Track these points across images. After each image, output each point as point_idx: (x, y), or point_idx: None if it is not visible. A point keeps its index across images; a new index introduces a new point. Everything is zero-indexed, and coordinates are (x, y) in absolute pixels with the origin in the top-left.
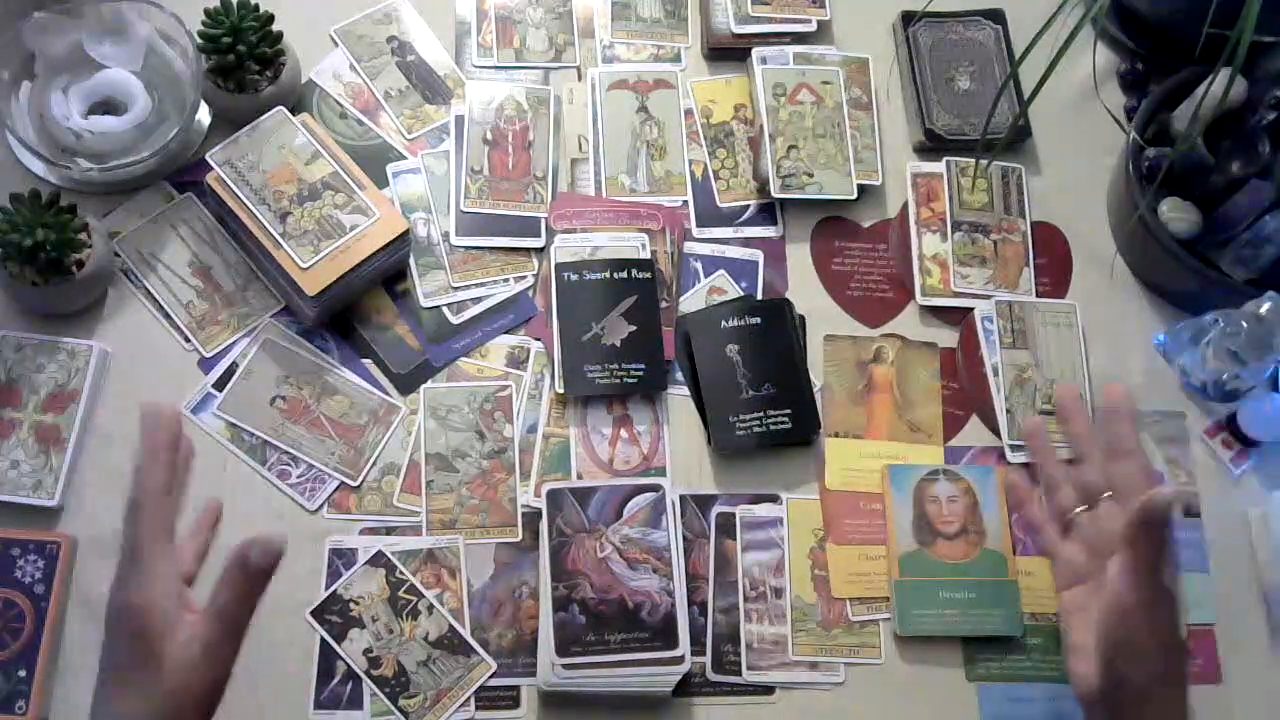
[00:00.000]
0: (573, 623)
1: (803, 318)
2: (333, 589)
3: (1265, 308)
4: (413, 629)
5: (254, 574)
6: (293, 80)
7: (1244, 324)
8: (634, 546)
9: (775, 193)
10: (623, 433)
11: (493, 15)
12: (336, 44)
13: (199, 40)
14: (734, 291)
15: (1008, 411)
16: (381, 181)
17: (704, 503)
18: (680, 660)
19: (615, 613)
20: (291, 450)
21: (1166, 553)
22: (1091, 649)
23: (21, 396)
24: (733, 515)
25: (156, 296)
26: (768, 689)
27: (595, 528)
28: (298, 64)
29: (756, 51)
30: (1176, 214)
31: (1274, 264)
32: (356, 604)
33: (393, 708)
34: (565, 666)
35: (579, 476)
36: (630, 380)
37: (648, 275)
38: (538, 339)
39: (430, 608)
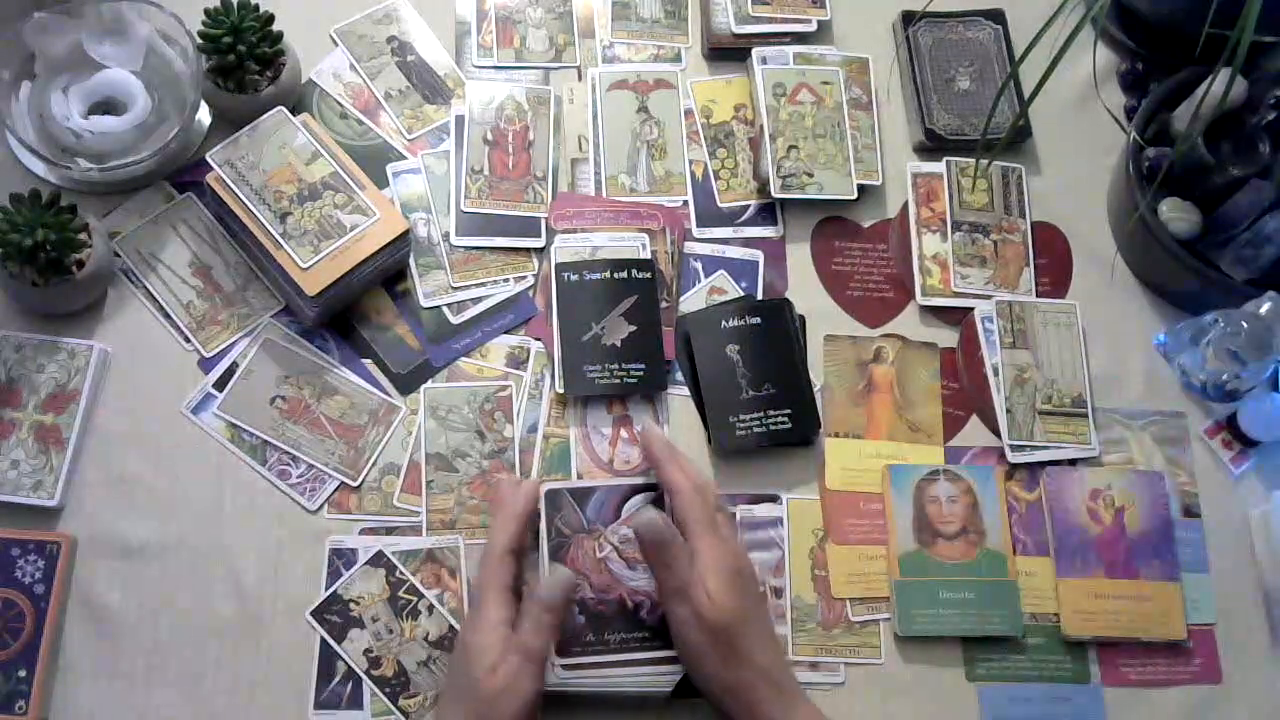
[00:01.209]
0: (572, 623)
1: (803, 318)
2: (333, 589)
3: (1265, 308)
4: (413, 629)
5: (557, 609)
6: (293, 80)
7: (1244, 324)
8: (633, 546)
9: (775, 193)
10: (623, 433)
11: (493, 15)
12: (336, 44)
13: (199, 40)
14: (734, 291)
15: (1008, 411)
16: (381, 181)
17: None
18: (679, 659)
19: (614, 613)
20: (291, 450)
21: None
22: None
23: (21, 396)
24: (733, 515)
25: (156, 296)
26: None
27: (594, 528)
28: (298, 64)
29: (756, 51)
30: (1176, 214)
31: (1274, 264)
32: (356, 604)
33: (393, 708)
34: (565, 667)
35: (579, 476)
36: (630, 380)
37: (648, 275)
38: (538, 339)
39: (430, 608)
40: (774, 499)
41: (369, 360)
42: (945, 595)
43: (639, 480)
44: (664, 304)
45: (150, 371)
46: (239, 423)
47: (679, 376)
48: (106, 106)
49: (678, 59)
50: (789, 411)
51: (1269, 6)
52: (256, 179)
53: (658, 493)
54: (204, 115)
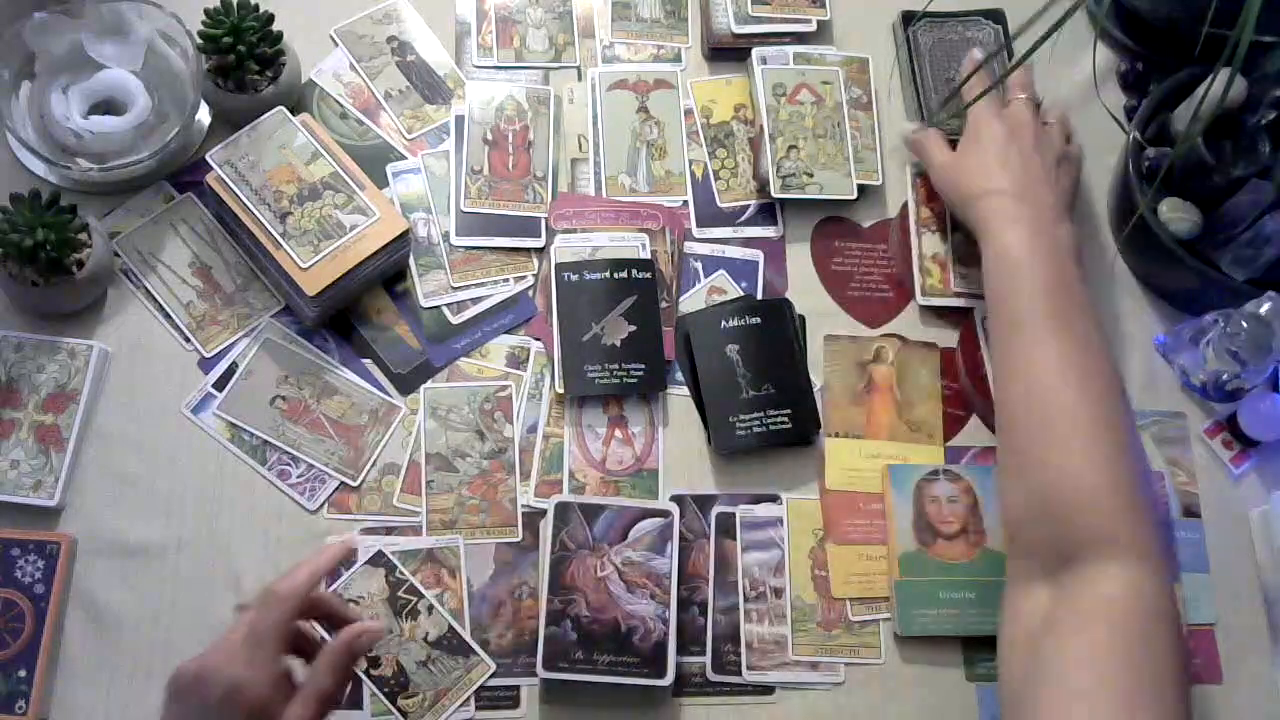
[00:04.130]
0: (563, 638)
1: (803, 318)
2: (332, 589)
3: (1265, 308)
4: (412, 629)
5: (356, 657)
6: (293, 80)
7: (1244, 324)
8: (635, 570)
9: (775, 193)
10: (616, 433)
11: (493, 15)
12: (336, 44)
13: (199, 40)
14: (734, 291)
15: None
16: (381, 181)
17: (704, 503)
18: (666, 690)
19: (607, 633)
20: (291, 450)
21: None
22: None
23: (21, 396)
24: (733, 515)
25: (156, 296)
26: (768, 689)
27: (599, 546)
28: (298, 64)
29: (756, 51)
30: (1176, 214)
31: (1274, 264)
32: (356, 604)
33: (392, 708)
34: (545, 681)
35: (570, 475)
36: (630, 380)
37: (648, 275)
38: (538, 339)
39: (430, 608)
40: (774, 499)
41: (369, 360)
42: (945, 595)
43: (650, 504)
44: (664, 304)
45: (150, 371)
46: (239, 423)
47: (679, 376)
48: (106, 106)
49: (678, 59)
50: (789, 411)
51: (1269, 6)
52: (256, 179)
53: (668, 519)
54: (204, 115)
